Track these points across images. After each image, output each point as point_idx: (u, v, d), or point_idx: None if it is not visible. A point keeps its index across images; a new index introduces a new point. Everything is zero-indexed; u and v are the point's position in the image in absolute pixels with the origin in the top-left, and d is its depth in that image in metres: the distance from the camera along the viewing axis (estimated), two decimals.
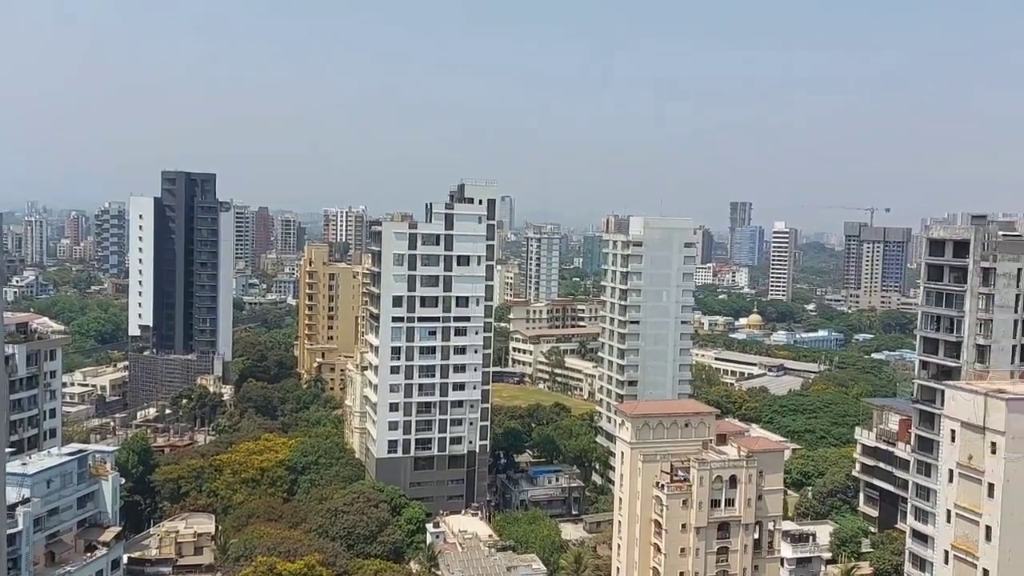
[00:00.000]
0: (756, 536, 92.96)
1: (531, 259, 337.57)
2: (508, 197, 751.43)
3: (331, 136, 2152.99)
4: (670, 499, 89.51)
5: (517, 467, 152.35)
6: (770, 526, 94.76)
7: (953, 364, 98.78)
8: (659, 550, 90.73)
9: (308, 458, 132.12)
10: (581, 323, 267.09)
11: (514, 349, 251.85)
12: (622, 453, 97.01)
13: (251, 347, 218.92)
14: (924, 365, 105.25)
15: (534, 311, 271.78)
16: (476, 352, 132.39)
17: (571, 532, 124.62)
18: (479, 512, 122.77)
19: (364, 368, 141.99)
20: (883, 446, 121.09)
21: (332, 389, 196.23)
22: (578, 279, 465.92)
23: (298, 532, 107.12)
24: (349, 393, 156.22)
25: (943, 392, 72.00)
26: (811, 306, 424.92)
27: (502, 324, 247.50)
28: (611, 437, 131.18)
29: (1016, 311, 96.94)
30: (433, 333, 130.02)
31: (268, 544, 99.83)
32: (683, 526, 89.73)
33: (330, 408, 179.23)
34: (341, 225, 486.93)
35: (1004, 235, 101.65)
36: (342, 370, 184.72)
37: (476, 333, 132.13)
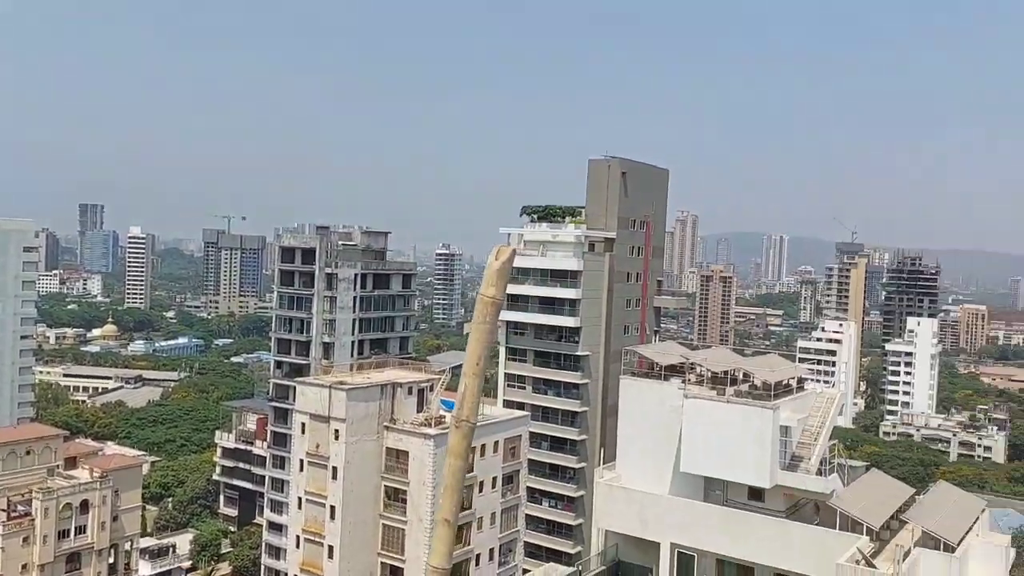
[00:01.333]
0: (112, 560, 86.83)
1: None
2: None
3: None
4: (7, 539, 77.68)
5: None
6: (127, 546, 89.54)
7: (304, 362, 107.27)
8: None
9: None
10: None
11: None
12: None
13: None
14: (279, 364, 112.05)
15: None
16: None
17: None
18: None
19: None
20: (242, 446, 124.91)
21: None
22: None
23: None
24: None
25: (295, 388, 77.21)
26: (171, 313, 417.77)
27: None
28: None
29: (354, 311, 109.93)
30: None
31: None
32: (24, 567, 78.67)
33: None
34: None
35: (343, 244, 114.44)
36: None
37: None
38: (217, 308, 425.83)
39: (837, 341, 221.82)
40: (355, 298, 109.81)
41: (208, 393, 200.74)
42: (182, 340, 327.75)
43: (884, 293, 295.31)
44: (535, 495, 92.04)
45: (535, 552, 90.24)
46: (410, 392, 72.07)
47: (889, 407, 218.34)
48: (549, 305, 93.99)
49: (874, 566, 31.83)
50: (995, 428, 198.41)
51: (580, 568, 40.96)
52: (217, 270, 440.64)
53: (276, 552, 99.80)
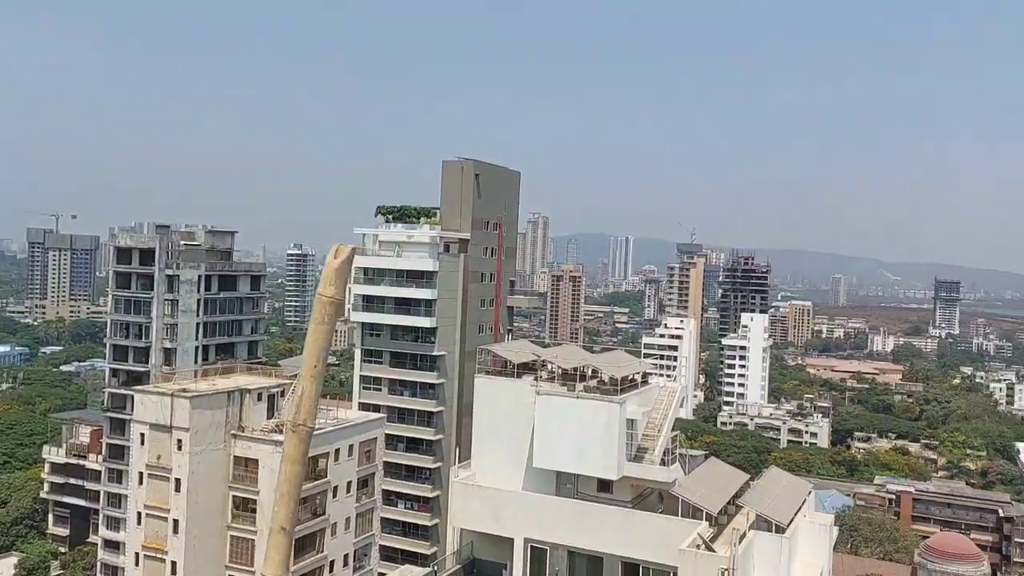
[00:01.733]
0: None
1: None
2: None
3: None
4: None
5: None
6: None
7: (143, 369, 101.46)
8: None
9: None
10: None
11: None
12: None
13: None
14: (115, 373, 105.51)
15: None
16: None
17: None
18: None
19: None
20: (74, 460, 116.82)
21: None
22: None
23: None
24: None
25: (133, 397, 72.83)
26: None
27: None
28: None
29: (198, 314, 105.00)
30: None
31: None
32: None
33: None
34: None
35: (186, 244, 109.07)
36: None
37: None
38: (44, 313, 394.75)
39: (678, 337, 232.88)
40: (199, 301, 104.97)
41: (34, 405, 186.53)
42: (3, 348, 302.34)
43: (720, 291, 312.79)
44: (391, 497, 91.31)
45: (391, 555, 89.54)
46: (259, 398, 69.65)
47: (726, 398, 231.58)
48: (405, 306, 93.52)
49: (713, 550, 33.78)
50: (820, 415, 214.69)
51: (435, 568, 41.11)
52: (44, 272, 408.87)
53: (113, 572, 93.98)
